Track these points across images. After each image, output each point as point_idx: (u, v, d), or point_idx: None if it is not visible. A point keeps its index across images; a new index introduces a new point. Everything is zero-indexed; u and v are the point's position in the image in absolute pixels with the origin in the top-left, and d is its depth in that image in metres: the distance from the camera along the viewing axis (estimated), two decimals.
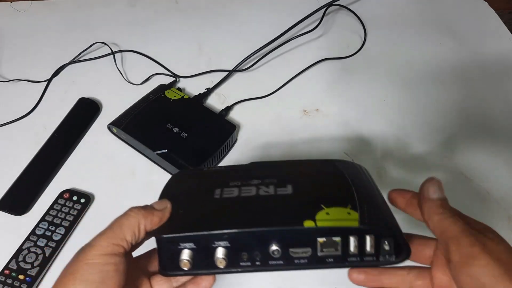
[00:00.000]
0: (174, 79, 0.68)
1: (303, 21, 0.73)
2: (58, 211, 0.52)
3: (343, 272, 0.50)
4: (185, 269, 0.30)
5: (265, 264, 0.30)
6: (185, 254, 0.29)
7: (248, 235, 0.29)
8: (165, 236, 0.30)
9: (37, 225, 0.50)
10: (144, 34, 0.75)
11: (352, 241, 0.29)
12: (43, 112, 0.63)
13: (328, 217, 0.29)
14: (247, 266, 0.30)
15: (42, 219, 0.51)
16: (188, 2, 0.81)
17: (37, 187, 0.55)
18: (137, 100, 0.62)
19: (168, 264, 0.30)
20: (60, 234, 0.50)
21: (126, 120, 0.59)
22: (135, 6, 0.80)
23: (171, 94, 0.63)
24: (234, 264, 0.30)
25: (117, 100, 0.63)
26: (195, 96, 0.65)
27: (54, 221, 0.51)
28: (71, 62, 0.69)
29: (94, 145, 0.60)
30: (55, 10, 0.78)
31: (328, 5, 0.76)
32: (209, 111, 0.62)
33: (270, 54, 0.72)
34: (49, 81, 0.67)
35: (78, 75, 0.68)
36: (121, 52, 0.71)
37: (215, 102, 0.66)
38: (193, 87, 0.67)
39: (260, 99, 0.67)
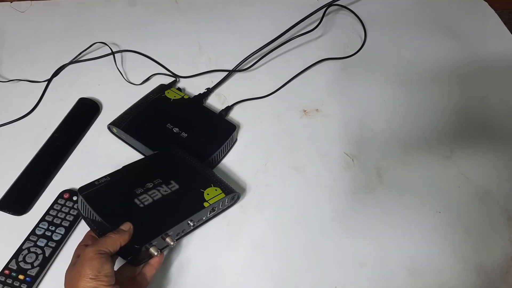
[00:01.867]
0: (174, 79, 0.68)
1: (303, 21, 0.73)
2: (58, 211, 0.52)
3: (343, 272, 0.50)
4: (156, 254, 0.44)
5: (187, 231, 0.49)
6: (153, 249, 0.44)
7: (181, 224, 0.47)
8: (137, 246, 0.43)
9: (37, 225, 0.50)
10: (144, 34, 0.75)
11: (221, 203, 0.52)
12: (43, 112, 0.63)
13: (209, 196, 0.49)
14: (180, 237, 0.49)
15: (42, 219, 0.51)
16: (188, 2, 0.81)
17: (37, 187, 0.55)
18: (137, 100, 0.63)
19: (138, 258, 0.45)
20: (60, 234, 0.50)
21: (126, 120, 0.59)
22: (135, 6, 0.80)
23: (171, 94, 0.63)
24: (175, 238, 0.47)
25: (117, 100, 0.63)
26: (195, 96, 0.65)
27: (54, 221, 0.51)
28: (71, 62, 0.69)
29: (94, 145, 0.60)
30: (55, 10, 0.78)
31: (328, 5, 0.76)
32: (209, 111, 0.62)
33: (270, 54, 0.72)
34: (49, 81, 0.67)
35: (78, 75, 0.68)
36: (121, 52, 0.71)
37: (215, 102, 0.66)
38: (193, 87, 0.67)
39: (260, 99, 0.67)
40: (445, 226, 0.54)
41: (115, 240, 0.41)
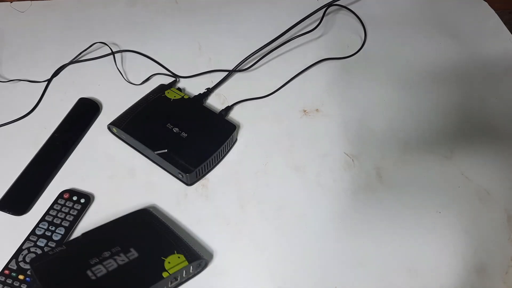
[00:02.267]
0: (174, 79, 0.68)
1: (303, 21, 0.73)
2: (58, 211, 0.52)
3: (343, 272, 0.50)
4: None
5: None
6: None
7: None
8: None
9: (37, 225, 0.50)
10: (144, 34, 0.75)
11: (185, 272, 0.47)
12: (43, 112, 0.63)
13: (170, 265, 0.45)
14: None
15: (42, 219, 0.51)
16: (188, 2, 0.81)
17: (37, 187, 0.55)
18: (137, 100, 0.62)
19: None
20: (60, 234, 0.50)
21: (126, 120, 0.59)
22: (135, 6, 0.80)
23: (171, 94, 0.63)
24: None
25: (117, 100, 0.63)
26: (195, 96, 0.65)
27: (54, 221, 0.51)
28: (71, 62, 0.69)
29: (94, 145, 0.60)
30: (55, 10, 0.78)
31: (328, 5, 0.76)
32: (209, 111, 0.62)
33: (270, 54, 0.72)
34: (49, 81, 0.67)
35: (78, 75, 0.68)
36: (121, 52, 0.71)
37: (215, 102, 0.66)
38: (193, 87, 0.67)
39: (260, 99, 0.67)
40: (445, 226, 0.54)
41: None
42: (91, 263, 0.44)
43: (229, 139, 0.59)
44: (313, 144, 0.62)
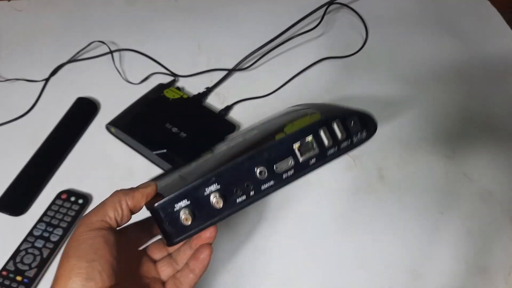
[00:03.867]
0: (173, 78, 0.67)
1: (303, 19, 0.72)
2: (56, 211, 0.51)
3: (343, 273, 0.50)
4: (188, 224, 0.29)
5: (258, 191, 0.30)
6: (184, 212, 0.29)
7: (232, 169, 0.30)
8: (157, 204, 0.30)
9: (34, 226, 0.50)
10: (143, 33, 0.74)
11: (323, 133, 0.31)
12: (40, 112, 0.63)
13: (294, 125, 0.31)
14: (244, 201, 0.30)
15: (40, 220, 0.51)
16: (187, 0, 0.81)
17: (34, 188, 0.54)
18: (135, 99, 0.62)
19: (171, 231, 0.30)
20: (58, 235, 0.49)
21: (124, 119, 0.59)
22: (134, 4, 0.79)
23: (170, 94, 0.62)
24: (231, 204, 0.30)
25: (115, 99, 0.63)
26: (195, 95, 0.65)
27: (52, 222, 0.50)
28: (69, 61, 0.69)
29: (92, 145, 0.60)
30: (53, 9, 0.77)
31: (329, 3, 0.76)
32: (209, 111, 0.62)
33: (270, 53, 0.71)
34: (47, 80, 0.66)
35: (76, 74, 0.68)
36: (119, 51, 0.71)
37: (215, 101, 0.65)
38: (193, 87, 0.67)
39: (260, 99, 0.66)
40: (447, 226, 0.54)
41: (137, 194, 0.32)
42: (202, 155, 0.36)
43: None
44: None
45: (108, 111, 0.61)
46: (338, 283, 0.49)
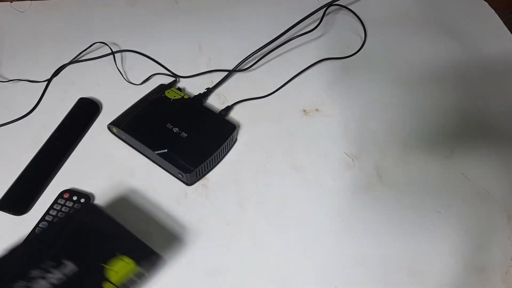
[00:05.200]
0: (174, 79, 0.68)
1: (303, 21, 0.73)
2: (58, 211, 0.52)
3: (343, 272, 0.50)
4: None
5: None
6: None
7: None
8: None
9: (37, 225, 0.50)
10: (144, 34, 0.75)
11: (134, 277, 0.39)
12: (43, 112, 0.63)
13: (116, 275, 0.37)
14: None
15: (42, 219, 0.51)
16: (188, 2, 0.81)
17: (37, 187, 0.55)
18: (137, 100, 0.62)
19: None
20: None
21: (126, 120, 0.59)
22: (135, 6, 0.80)
23: (171, 94, 0.63)
24: None
25: (117, 100, 0.63)
26: (195, 96, 0.65)
27: (54, 221, 0.51)
28: (71, 62, 0.69)
29: (94, 145, 0.60)
30: (55, 10, 0.78)
31: (328, 5, 0.76)
32: (209, 111, 0.62)
33: (270, 54, 0.72)
34: (49, 81, 0.67)
35: (78, 75, 0.68)
36: (121, 52, 0.71)
37: (215, 102, 0.66)
38: (193, 87, 0.67)
39: (260, 99, 0.67)
40: (445, 225, 0.54)
41: None
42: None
43: (229, 139, 0.59)
44: (313, 144, 0.62)
45: (110, 112, 0.62)
46: (337, 281, 0.50)
